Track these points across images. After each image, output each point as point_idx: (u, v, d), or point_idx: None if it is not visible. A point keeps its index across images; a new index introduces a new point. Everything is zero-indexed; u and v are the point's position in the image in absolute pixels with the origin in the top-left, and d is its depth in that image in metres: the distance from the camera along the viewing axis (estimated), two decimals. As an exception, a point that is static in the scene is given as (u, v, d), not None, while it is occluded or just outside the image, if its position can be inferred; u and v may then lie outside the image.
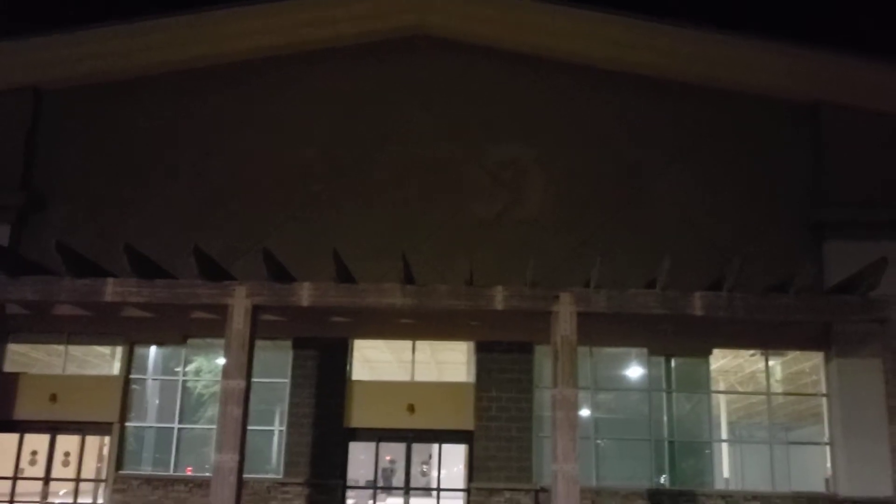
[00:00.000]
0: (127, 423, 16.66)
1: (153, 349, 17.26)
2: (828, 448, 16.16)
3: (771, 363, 16.83)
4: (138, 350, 17.12)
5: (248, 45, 18.02)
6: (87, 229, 16.86)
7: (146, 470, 16.48)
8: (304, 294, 14.65)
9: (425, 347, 17.18)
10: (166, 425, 16.76)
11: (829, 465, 16.14)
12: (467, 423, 16.33)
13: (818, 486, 16.15)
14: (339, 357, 16.67)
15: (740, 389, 17.36)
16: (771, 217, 16.78)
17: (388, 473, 21.17)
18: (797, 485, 16.02)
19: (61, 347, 17.27)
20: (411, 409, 16.43)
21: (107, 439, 16.89)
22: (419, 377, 16.90)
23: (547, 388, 15.72)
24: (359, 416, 16.45)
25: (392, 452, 24.49)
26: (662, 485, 16.04)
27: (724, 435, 16.79)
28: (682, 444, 16.32)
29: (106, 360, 17.68)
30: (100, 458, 19.23)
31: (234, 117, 17.89)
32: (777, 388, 16.79)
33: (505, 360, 16.53)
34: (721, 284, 14.51)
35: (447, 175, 17.30)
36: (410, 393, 16.59)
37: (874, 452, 15.00)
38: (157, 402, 17.13)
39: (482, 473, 16.05)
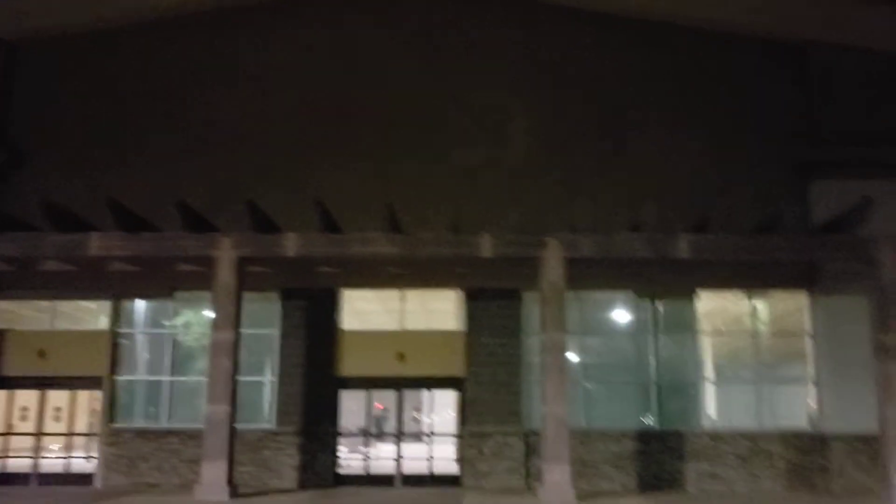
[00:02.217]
0: (117, 377, 16.69)
1: (140, 303, 17.22)
2: (812, 386, 16.40)
3: (755, 303, 16.98)
4: (126, 304, 17.07)
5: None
6: (70, 184, 16.65)
7: (138, 423, 16.56)
8: (290, 244, 14.62)
9: (415, 297, 17.21)
10: (157, 378, 16.80)
11: (813, 403, 16.40)
12: (458, 369, 16.46)
13: (801, 424, 16.43)
14: (328, 307, 16.69)
15: (725, 330, 17.50)
16: (757, 157, 16.77)
17: (380, 421, 21.42)
18: (782, 423, 16.30)
19: (48, 303, 17.20)
20: (401, 357, 16.53)
21: (98, 394, 16.93)
22: (410, 326, 16.95)
23: (535, 334, 15.84)
24: (349, 365, 16.54)
25: (384, 401, 24.74)
26: (650, 425, 16.28)
27: (708, 376, 16.96)
28: (668, 386, 16.52)
29: (94, 315, 17.63)
30: (91, 412, 19.30)
31: (216, 68, 17.61)
32: (762, 328, 16.95)
33: (493, 307, 16.60)
34: (707, 226, 14.56)
35: (431, 122, 17.15)
36: (400, 341, 16.67)
37: (858, 390, 15.26)
38: (146, 355, 17.14)
39: (473, 418, 16.23)
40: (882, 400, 14.13)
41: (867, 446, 15.15)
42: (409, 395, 17.73)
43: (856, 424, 15.46)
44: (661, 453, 15.91)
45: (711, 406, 17.11)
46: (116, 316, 16.91)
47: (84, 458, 18.22)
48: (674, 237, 14.57)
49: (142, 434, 16.27)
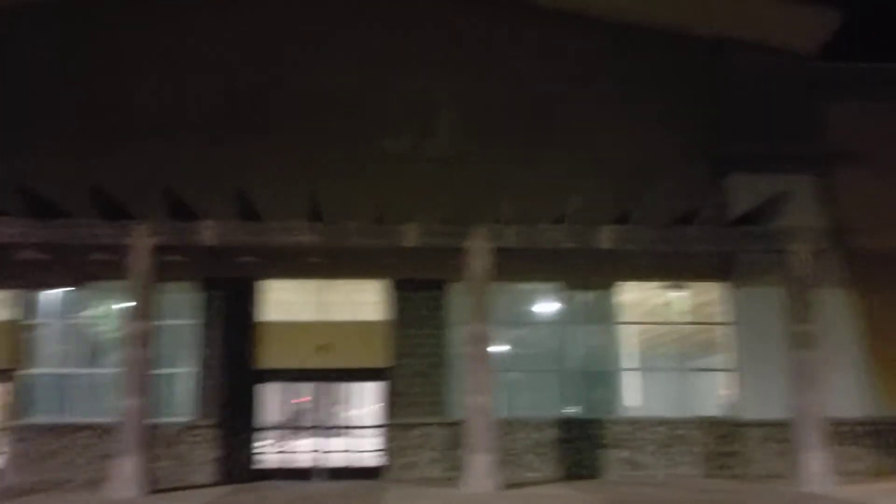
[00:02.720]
0: (25, 371, 16.02)
1: (52, 293, 16.55)
2: (731, 375, 16.81)
3: (676, 295, 17.32)
4: (36, 294, 16.40)
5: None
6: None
7: (49, 418, 15.93)
8: (208, 233, 14.24)
9: (339, 287, 16.98)
10: (69, 371, 16.20)
11: (730, 391, 16.82)
12: (382, 360, 16.33)
13: (718, 411, 16.84)
14: (248, 298, 16.34)
15: (646, 321, 17.83)
16: (677, 150, 17.09)
17: (303, 414, 21.05)
18: (700, 410, 16.67)
19: (-49, 293, 16.42)
20: (324, 348, 16.31)
21: (6, 387, 16.22)
22: (334, 318, 16.72)
23: (460, 325, 15.81)
24: (269, 358, 16.24)
25: (310, 393, 24.42)
26: (572, 414, 16.45)
27: (631, 365, 17.24)
28: (591, 375, 16.73)
29: (2, 305, 16.88)
30: (0, 407, 18.51)
31: (131, 50, 17.05)
32: (682, 318, 17.31)
33: (418, 298, 16.53)
34: (628, 218, 14.77)
35: (356, 109, 16.95)
36: (322, 332, 16.44)
37: (774, 378, 15.68)
38: (58, 347, 16.50)
39: (397, 410, 16.14)
40: (795, 388, 14.57)
41: (782, 432, 15.60)
42: (332, 387, 17.53)
43: (771, 412, 15.90)
44: (582, 441, 16.10)
45: (633, 395, 17.41)
46: (26, 306, 16.23)
47: (-8, 454, 17.49)
48: (596, 229, 14.73)
49: (52, 429, 15.66)
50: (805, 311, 14.68)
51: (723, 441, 16.30)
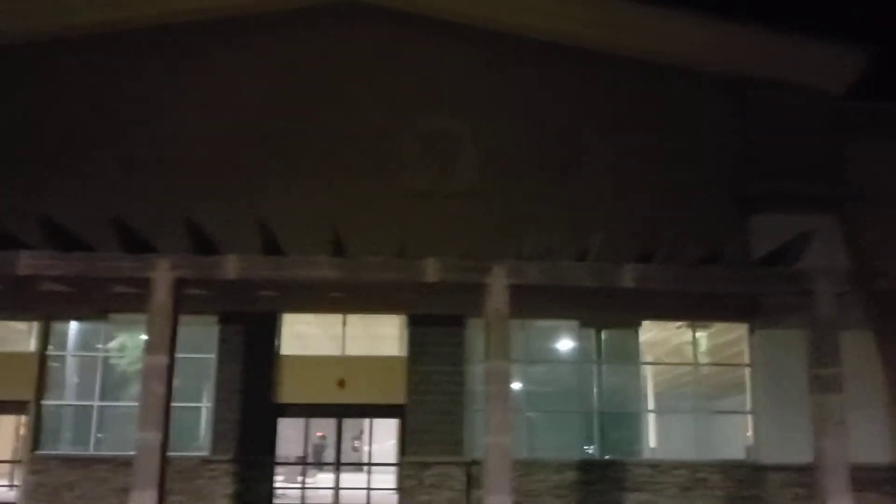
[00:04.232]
0: (44, 402, 16.02)
1: (72, 325, 16.58)
2: (750, 417, 16.56)
3: (697, 335, 17.14)
4: (57, 326, 16.44)
5: (174, 8, 17.30)
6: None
7: (65, 450, 15.88)
8: (230, 267, 14.17)
9: (357, 322, 16.94)
10: (86, 403, 16.17)
11: (750, 433, 16.56)
12: (399, 397, 16.20)
13: (739, 454, 16.56)
14: (267, 332, 16.32)
15: (666, 361, 17.65)
16: (701, 189, 17.00)
17: (319, 449, 20.94)
18: (721, 453, 16.40)
19: (-27, 324, 16.48)
20: (342, 383, 16.22)
21: (23, 419, 16.20)
22: (352, 352, 16.66)
23: (479, 362, 15.67)
24: (288, 392, 16.16)
25: (323, 428, 24.24)
26: (592, 455, 16.22)
27: (651, 406, 17.03)
28: (610, 415, 16.52)
29: (24, 337, 16.93)
30: (16, 437, 18.49)
31: (159, 84, 17.21)
32: (703, 359, 17.11)
33: (437, 334, 16.42)
34: (651, 256, 14.62)
35: (379, 146, 17.00)
36: (341, 367, 16.37)
37: (795, 421, 15.39)
38: (76, 379, 16.50)
39: (414, 447, 15.97)
40: (817, 432, 14.28)
41: (803, 477, 15.28)
42: (349, 422, 17.39)
43: (792, 455, 15.61)
44: (602, 483, 15.85)
45: (652, 436, 17.18)
46: (46, 338, 16.25)
47: (7, 486, 17.42)
48: (618, 267, 14.54)
49: (68, 461, 15.60)
50: (829, 354, 14.42)
51: (743, 485, 16.00)
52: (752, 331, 16.69)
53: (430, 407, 16.09)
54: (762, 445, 16.22)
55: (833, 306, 14.58)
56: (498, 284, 14.45)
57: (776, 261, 14.93)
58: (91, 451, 15.78)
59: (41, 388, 16.03)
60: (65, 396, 16.32)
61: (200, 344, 16.14)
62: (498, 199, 16.73)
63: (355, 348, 16.76)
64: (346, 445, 17.52)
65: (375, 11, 17.66)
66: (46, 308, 16.03)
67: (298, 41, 17.55)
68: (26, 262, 14.02)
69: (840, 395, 14.27)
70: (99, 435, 15.98)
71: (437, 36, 17.67)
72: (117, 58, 17.35)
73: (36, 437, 15.84)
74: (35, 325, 16.53)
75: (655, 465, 16.09)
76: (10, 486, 17.17)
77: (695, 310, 16.44)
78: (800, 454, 14.93)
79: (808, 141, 17.17)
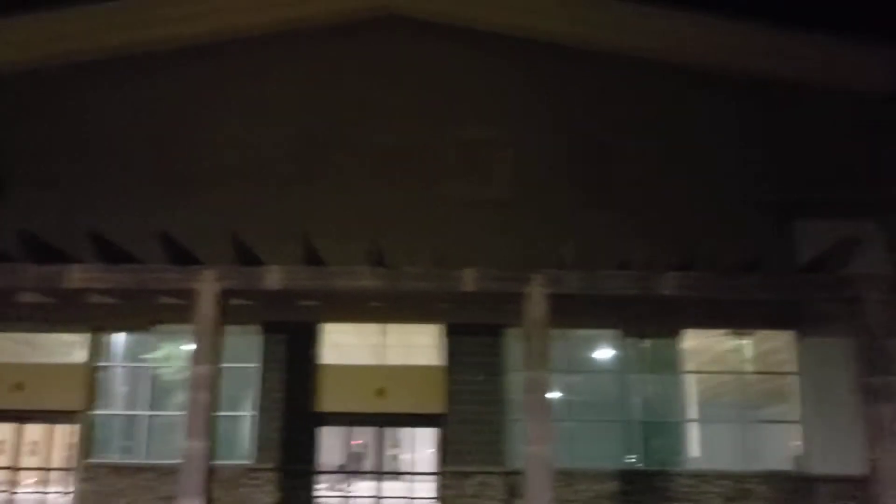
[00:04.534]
0: (94, 412, 16.41)
1: (120, 336, 16.98)
2: (797, 426, 16.29)
3: (740, 343, 16.92)
4: (105, 337, 16.84)
5: (216, 26, 17.69)
6: (49, 215, 16.44)
7: (114, 458, 16.24)
8: (274, 278, 14.41)
9: (395, 331, 17.07)
10: (134, 412, 16.52)
11: (798, 443, 16.28)
12: (438, 406, 16.27)
13: (786, 465, 16.29)
14: (308, 341, 16.53)
15: (709, 369, 17.44)
16: (742, 196, 16.83)
17: (359, 458, 21.10)
18: (766, 463, 16.16)
19: (26, 336, 16.92)
20: (381, 392, 16.34)
21: (74, 428, 16.61)
22: (390, 361, 16.78)
23: (518, 371, 15.68)
24: (329, 401, 16.33)
25: (363, 437, 24.37)
26: (634, 465, 16.10)
27: (692, 415, 16.84)
28: (652, 425, 16.39)
29: (72, 348, 17.37)
30: (68, 446, 18.94)
31: (201, 98, 17.60)
32: (747, 367, 16.89)
33: (475, 343, 16.47)
34: (692, 264, 14.50)
35: (420, 156, 17.16)
36: (380, 377, 16.50)
37: (846, 430, 15.15)
38: (124, 389, 16.88)
39: (453, 457, 16.01)
40: (871, 442, 13.99)
41: (853, 488, 14.99)
42: (389, 431, 17.49)
43: (843, 466, 15.33)
44: (644, 493, 15.73)
45: (695, 445, 16.98)
46: (95, 349, 16.66)
47: (59, 493, 17.84)
48: (659, 275, 14.45)
49: (117, 469, 15.96)
50: (879, 362, 14.14)
51: (791, 497, 15.74)
52: (798, 338, 16.44)
53: (469, 416, 16.13)
54: (811, 456, 15.93)
55: (881, 313, 14.28)
56: (536, 294, 14.44)
57: (819, 267, 14.70)
58: (139, 460, 16.09)
59: (91, 399, 16.41)
60: (113, 406, 16.69)
61: (243, 353, 16.39)
62: (535, 208, 16.75)
63: (393, 358, 16.87)
64: (384, 454, 17.55)
65: (414, 24, 17.87)
66: (95, 320, 16.45)
67: (339, 54, 17.80)
68: (77, 276, 14.41)
69: (893, 405, 13.99)
70: (146, 444, 16.28)
71: (474, 46, 17.80)
72: (158, 74, 17.77)
73: (87, 445, 16.23)
74: (83, 337, 16.95)
75: (699, 476, 15.90)
76: (62, 493, 17.57)
77: (737, 317, 16.28)
78: (852, 465, 14.71)
79: (850, 145, 16.92)
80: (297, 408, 16.15)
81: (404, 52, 17.85)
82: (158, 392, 16.69)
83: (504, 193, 17.02)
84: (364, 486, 16.96)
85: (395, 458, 27.32)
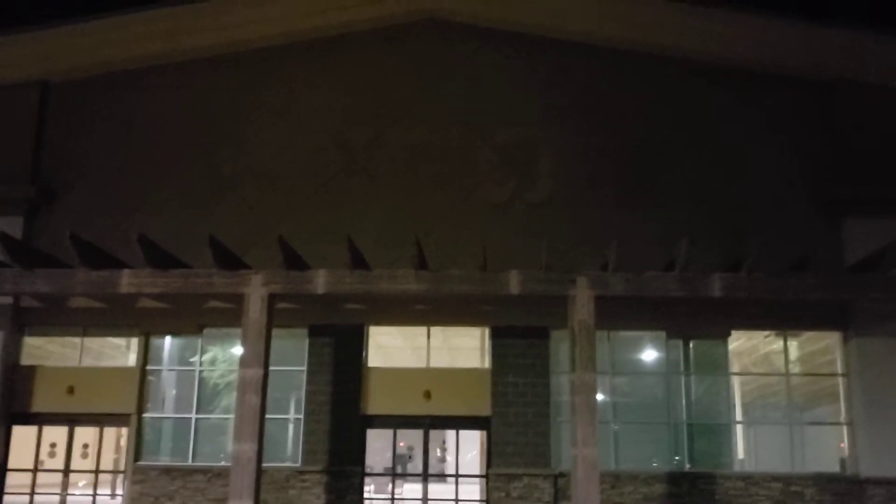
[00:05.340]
0: (144, 414, 16.67)
1: (169, 339, 17.25)
2: (845, 428, 16.07)
3: (788, 344, 16.71)
4: (154, 341, 17.11)
5: (260, 33, 17.90)
6: (100, 220, 16.80)
7: (164, 460, 16.50)
8: (320, 281, 14.61)
9: (438, 333, 17.12)
10: (183, 415, 16.77)
11: (844, 445, 16.05)
12: (484, 408, 16.29)
13: (833, 467, 16.08)
14: (354, 344, 16.63)
15: (755, 371, 17.23)
16: (789, 195, 16.62)
17: (405, 460, 21.15)
18: (815, 465, 15.95)
19: (77, 340, 17.27)
20: (427, 395, 16.40)
21: (124, 430, 16.91)
22: (433, 363, 16.85)
23: (563, 373, 15.67)
24: (375, 403, 16.43)
25: (407, 439, 24.47)
26: (681, 467, 15.99)
27: (738, 416, 16.67)
28: (699, 427, 16.24)
29: (122, 352, 17.69)
30: (117, 449, 19.28)
31: (246, 105, 17.79)
32: (793, 368, 16.68)
33: (520, 345, 16.46)
34: (740, 265, 14.38)
35: (459, 159, 17.19)
36: (426, 379, 16.55)
37: (895, 432, 14.91)
38: (173, 392, 17.14)
39: (500, 459, 16.01)
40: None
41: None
42: (435, 433, 17.53)
43: (893, 468, 15.10)
44: (693, 496, 15.58)
45: (742, 447, 16.81)
46: (145, 353, 16.93)
47: (110, 495, 18.16)
48: (707, 276, 14.37)
49: (168, 472, 16.19)
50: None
51: (842, 499, 15.51)
52: (846, 339, 16.20)
53: (515, 418, 16.13)
54: (861, 458, 15.69)
55: (934, 313, 14.10)
56: (582, 296, 14.46)
57: (871, 267, 14.52)
58: (189, 462, 16.32)
59: (141, 402, 16.68)
60: (163, 409, 16.95)
61: (290, 356, 16.56)
62: (577, 209, 16.70)
63: (437, 359, 16.94)
64: (431, 456, 17.61)
65: (451, 27, 17.92)
66: (145, 324, 16.72)
67: (378, 59, 17.91)
68: (128, 281, 14.74)
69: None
70: (193, 447, 16.52)
71: (513, 49, 17.78)
72: (203, 82, 18.00)
73: (137, 448, 16.49)
74: (132, 341, 17.24)
75: (747, 478, 15.74)
76: (113, 495, 17.89)
77: (785, 318, 16.11)
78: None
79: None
80: (345, 410, 16.26)
81: (441, 56, 17.89)
82: (207, 395, 16.91)
83: (544, 195, 16.98)
84: (410, 489, 17.02)
85: (441, 460, 27.44)
